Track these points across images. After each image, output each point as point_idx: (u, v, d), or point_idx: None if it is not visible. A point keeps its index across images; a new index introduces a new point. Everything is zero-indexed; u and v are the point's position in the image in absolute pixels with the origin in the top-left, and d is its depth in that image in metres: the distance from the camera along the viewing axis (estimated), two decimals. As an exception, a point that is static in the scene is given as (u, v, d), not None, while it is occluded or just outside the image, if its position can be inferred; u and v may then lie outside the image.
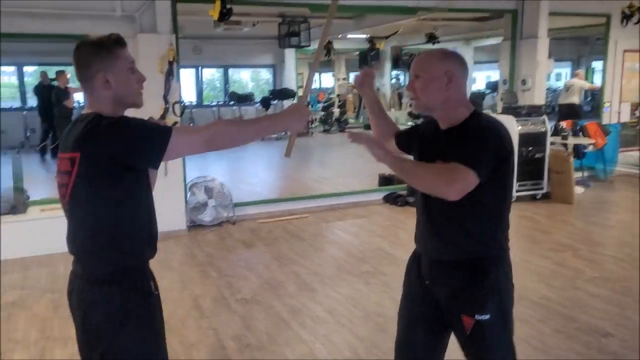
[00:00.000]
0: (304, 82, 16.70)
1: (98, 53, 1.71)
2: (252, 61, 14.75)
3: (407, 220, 5.78)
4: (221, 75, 15.92)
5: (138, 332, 1.74)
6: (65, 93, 9.90)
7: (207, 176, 6.28)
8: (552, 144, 7.44)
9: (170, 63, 5.37)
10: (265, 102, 13.83)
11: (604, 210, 6.74)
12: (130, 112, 1.79)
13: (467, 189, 1.74)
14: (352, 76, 17.29)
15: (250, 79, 16.97)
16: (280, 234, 5.70)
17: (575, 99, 10.80)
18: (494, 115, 6.97)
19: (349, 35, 12.63)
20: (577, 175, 7.47)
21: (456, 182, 1.73)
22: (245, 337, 3.46)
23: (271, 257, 5.02)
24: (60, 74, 10.16)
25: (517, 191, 6.72)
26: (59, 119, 9.84)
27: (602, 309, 3.77)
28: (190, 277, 4.50)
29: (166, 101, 5.40)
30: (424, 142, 2.05)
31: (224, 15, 4.99)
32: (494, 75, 15.61)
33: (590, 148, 7.63)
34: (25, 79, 13.42)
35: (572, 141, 7.39)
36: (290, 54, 13.93)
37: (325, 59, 12.83)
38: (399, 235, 5.51)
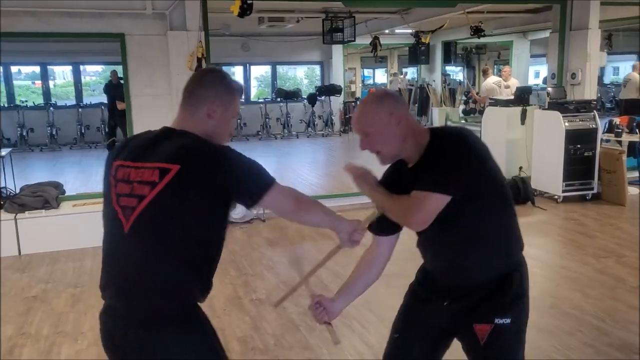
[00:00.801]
0: (356, 76, 16.65)
1: (225, 86, 1.68)
2: (300, 58, 14.70)
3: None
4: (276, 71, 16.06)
5: None
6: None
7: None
8: (606, 141, 7.00)
9: (199, 60, 5.37)
10: (312, 99, 13.76)
11: (660, 214, 6.25)
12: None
13: (431, 213, 1.69)
14: (403, 71, 17.01)
15: (305, 75, 16.97)
16: (309, 232, 5.60)
17: (634, 94, 10.12)
18: (540, 110, 6.66)
19: (397, 30, 12.39)
20: (633, 175, 6.97)
21: (416, 213, 1.70)
22: (251, 340, 3.38)
23: (294, 256, 4.93)
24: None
25: (564, 191, 6.37)
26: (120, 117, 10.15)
27: (640, 323, 3.46)
28: (209, 275, 4.46)
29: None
30: (401, 185, 1.84)
31: (245, 11, 4.91)
32: (543, 70, 14.88)
33: (647, 146, 7.11)
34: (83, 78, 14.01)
35: (626, 138, 6.90)
36: (337, 50, 13.79)
37: (372, 56, 12.59)
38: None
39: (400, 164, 1.85)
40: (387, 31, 12.23)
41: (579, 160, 6.32)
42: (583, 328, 3.40)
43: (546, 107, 6.75)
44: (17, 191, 5.51)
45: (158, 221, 1.52)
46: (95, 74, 15.13)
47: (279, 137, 13.44)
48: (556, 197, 6.47)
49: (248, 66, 14.53)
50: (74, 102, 13.24)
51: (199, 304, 1.64)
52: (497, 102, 7.82)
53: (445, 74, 15.16)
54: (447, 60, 14.40)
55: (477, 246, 1.80)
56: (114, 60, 10.74)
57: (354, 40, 9.94)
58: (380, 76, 19.73)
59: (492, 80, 9.71)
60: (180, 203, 1.51)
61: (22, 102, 12.65)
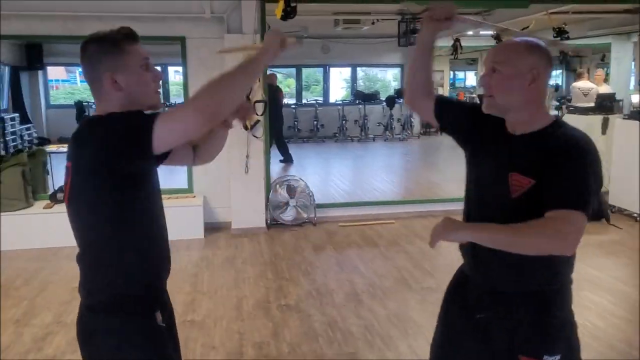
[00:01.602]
0: (443, 79, 16.19)
1: (105, 51, 1.50)
2: (380, 60, 14.50)
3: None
4: (364, 74, 16.00)
5: None
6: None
7: (293, 175, 6.27)
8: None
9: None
10: (390, 101, 13.54)
11: None
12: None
13: (580, 237, 1.43)
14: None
15: (393, 77, 16.74)
16: (355, 239, 5.50)
17: None
18: (620, 119, 6.09)
19: (481, 32, 11.88)
20: None
21: (570, 235, 1.41)
22: (267, 346, 3.35)
23: (334, 263, 4.85)
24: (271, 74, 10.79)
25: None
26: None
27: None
28: (245, 277, 4.47)
29: (249, 100, 5.47)
30: (484, 142, 1.70)
31: (288, 14, 4.89)
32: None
33: None
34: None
35: None
36: (417, 53, 13.46)
37: (453, 58, 12.17)
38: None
39: (497, 122, 1.65)
40: (470, 32, 11.79)
41: (665, 174, 5.71)
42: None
43: (628, 116, 6.18)
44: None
45: (77, 219, 1.56)
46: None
47: (355, 140, 13.35)
48: (635, 215, 5.90)
49: (328, 68, 14.57)
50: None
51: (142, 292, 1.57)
52: (575, 110, 7.27)
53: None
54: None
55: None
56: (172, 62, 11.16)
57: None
58: (472, 78, 19.13)
59: (578, 84, 9.04)
60: (80, 196, 1.52)
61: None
